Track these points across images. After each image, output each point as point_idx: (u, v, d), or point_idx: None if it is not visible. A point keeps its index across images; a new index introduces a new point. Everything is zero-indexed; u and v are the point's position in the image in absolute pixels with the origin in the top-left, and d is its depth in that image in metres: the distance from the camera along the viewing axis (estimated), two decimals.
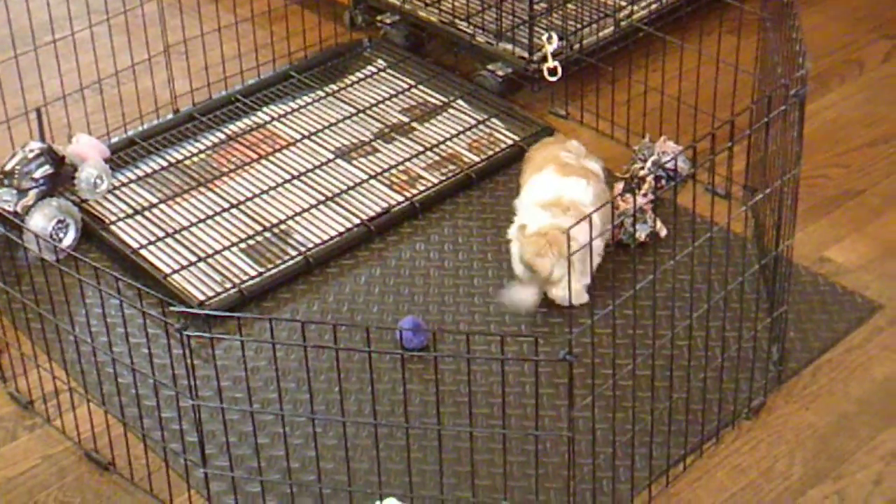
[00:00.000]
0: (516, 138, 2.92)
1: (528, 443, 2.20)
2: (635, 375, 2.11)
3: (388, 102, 3.08)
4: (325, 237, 2.66)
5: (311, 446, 2.21)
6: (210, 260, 2.61)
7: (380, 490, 2.04)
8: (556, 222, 2.43)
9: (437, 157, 2.90)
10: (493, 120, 2.99)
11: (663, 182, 2.75)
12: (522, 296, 2.47)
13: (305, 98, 3.11)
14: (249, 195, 2.79)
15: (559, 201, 2.48)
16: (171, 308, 1.98)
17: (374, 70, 3.20)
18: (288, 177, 2.84)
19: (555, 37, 2.93)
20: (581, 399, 2.14)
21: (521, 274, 2.48)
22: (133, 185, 2.83)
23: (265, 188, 2.81)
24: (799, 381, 2.34)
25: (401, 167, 2.86)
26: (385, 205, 2.75)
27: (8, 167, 2.64)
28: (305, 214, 2.73)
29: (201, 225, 2.71)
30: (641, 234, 2.60)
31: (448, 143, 2.94)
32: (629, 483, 2.10)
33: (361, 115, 3.04)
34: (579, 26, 3.06)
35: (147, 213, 2.74)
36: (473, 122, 3.00)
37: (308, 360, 1.99)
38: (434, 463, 2.15)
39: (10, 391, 2.37)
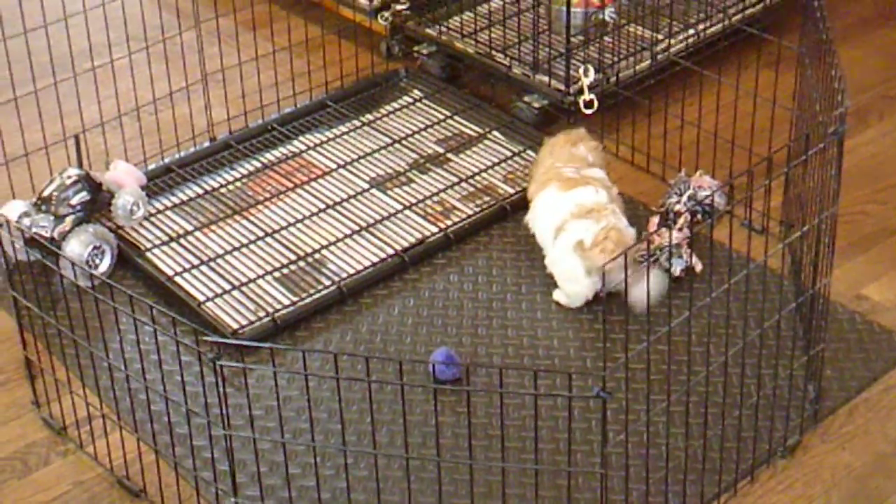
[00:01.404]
0: None
1: (561, 478, 2.18)
2: (669, 412, 2.09)
3: (423, 133, 3.09)
4: (359, 267, 2.66)
5: (342, 477, 2.20)
6: (244, 288, 2.62)
7: None
8: (605, 224, 2.49)
9: (472, 189, 2.90)
10: (529, 152, 2.99)
11: (699, 217, 2.73)
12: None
13: (341, 127, 3.11)
14: (284, 224, 2.80)
15: (585, 207, 2.52)
16: (205, 337, 1.98)
17: (411, 100, 3.21)
18: (323, 206, 2.84)
19: (591, 69, 2.93)
20: (615, 435, 2.13)
21: (581, 287, 2.53)
22: (169, 213, 2.85)
23: (300, 217, 2.81)
24: (835, 421, 2.31)
25: (435, 198, 2.86)
26: (419, 235, 2.75)
27: (45, 193, 2.66)
28: (340, 244, 2.73)
29: (236, 253, 2.72)
30: (677, 269, 2.58)
31: (483, 174, 2.94)
32: None
33: (397, 145, 3.04)
34: (616, 59, 3.06)
35: (182, 241, 2.75)
36: (509, 153, 3.00)
37: (340, 391, 1.98)
38: (465, 497, 2.14)
39: (44, 416, 2.37)
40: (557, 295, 2.59)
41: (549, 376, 2.40)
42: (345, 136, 3.08)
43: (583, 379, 2.38)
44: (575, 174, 2.63)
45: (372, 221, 2.79)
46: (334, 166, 2.98)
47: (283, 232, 2.77)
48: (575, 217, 2.52)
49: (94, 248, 2.64)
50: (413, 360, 2.42)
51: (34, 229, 2.61)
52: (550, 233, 2.57)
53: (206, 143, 3.05)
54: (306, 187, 2.91)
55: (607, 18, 3.14)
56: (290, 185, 2.92)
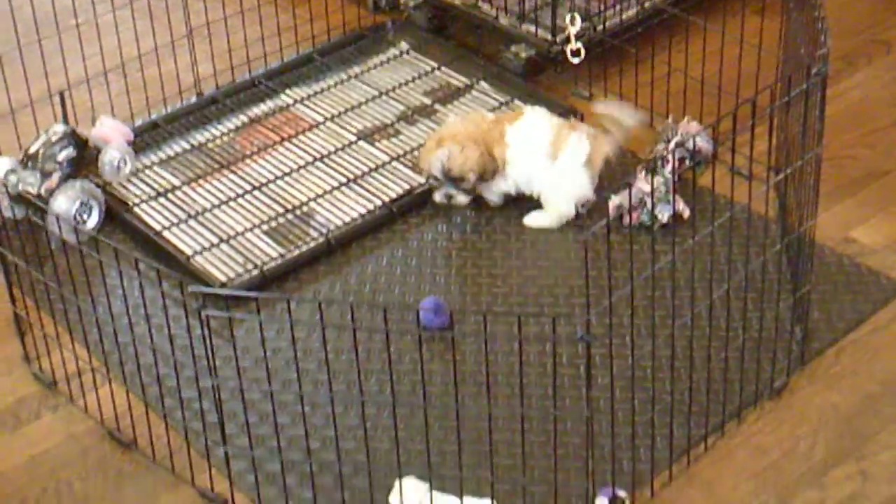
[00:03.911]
0: None
1: (548, 423, 2.19)
2: (655, 355, 2.10)
3: (410, 84, 3.08)
4: (347, 219, 2.66)
5: (331, 426, 2.21)
6: (232, 241, 2.62)
7: (399, 470, 2.04)
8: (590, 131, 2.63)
9: None
10: (516, 102, 2.98)
11: (687, 163, 2.73)
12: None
13: (328, 81, 3.10)
14: (272, 177, 2.79)
15: (566, 124, 2.66)
16: (190, 288, 1.98)
17: (397, 52, 3.20)
18: (310, 159, 2.84)
19: (578, 18, 2.92)
20: (600, 378, 2.13)
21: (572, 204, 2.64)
22: (156, 168, 2.84)
23: (288, 170, 2.81)
24: (822, 362, 2.32)
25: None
26: (407, 186, 2.74)
27: (32, 150, 2.66)
28: (328, 196, 2.73)
29: (224, 207, 2.72)
30: (664, 214, 2.58)
31: None
32: (649, 463, 2.09)
33: (384, 97, 3.04)
34: (603, 8, 3.05)
35: (170, 196, 2.75)
36: (496, 103, 2.99)
37: (328, 340, 1.98)
38: (453, 443, 2.14)
39: (34, 371, 2.38)
40: (538, 219, 2.62)
41: (538, 322, 2.40)
42: (332, 90, 3.07)
43: (570, 324, 2.39)
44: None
45: (360, 173, 2.79)
46: (321, 119, 2.97)
47: (271, 185, 2.77)
48: (568, 129, 2.62)
49: (82, 203, 2.63)
50: (399, 307, 2.41)
51: (21, 186, 2.61)
52: (546, 149, 2.61)
53: (193, 99, 3.04)
54: (294, 140, 2.91)
55: None
56: (278, 138, 2.92)
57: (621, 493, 2.04)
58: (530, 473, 2.10)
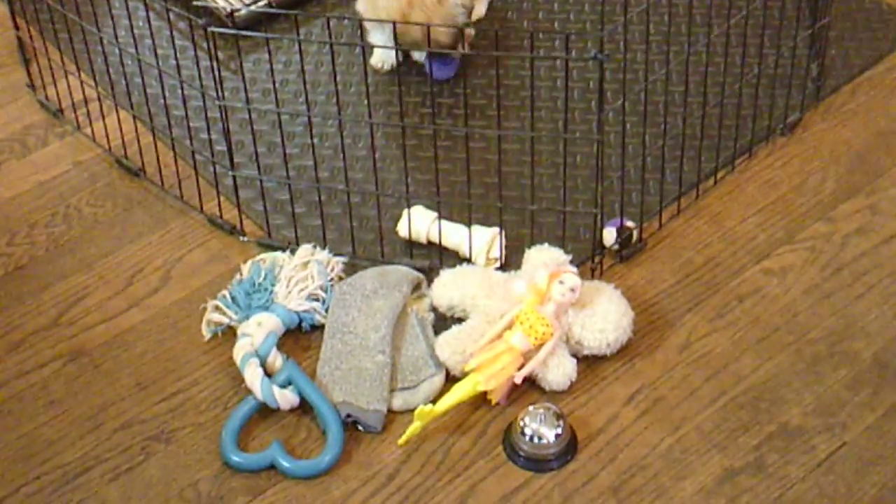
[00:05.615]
0: None
1: (558, 155, 2.18)
2: (668, 85, 2.06)
3: None
4: None
5: (339, 157, 2.20)
6: None
7: (408, 199, 2.04)
8: None
9: None
10: None
11: None
12: None
13: None
14: None
15: None
16: (195, 2, 1.94)
17: None
18: None
19: None
20: (612, 101, 2.10)
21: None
22: None
23: None
24: (837, 99, 2.29)
25: None
26: None
27: None
28: None
29: None
30: None
31: None
32: (658, 195, 2.08)
33: None
34: None
35: None
36: None
37: (334, 58, 1.94)
38: (462, 173, 2.14)
39: (40, 99, 2.36)
40: None
41: (549, 50, 2.36)
42: None
43: (581, 42, 2.34)
44: None
45: None
46: None
47: None
48: None
49: None
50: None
51: None
52: None
53: None
54: None
55: None
56: None
57: (630, 224, 2.03)
58: (539, 203, 2.10)
